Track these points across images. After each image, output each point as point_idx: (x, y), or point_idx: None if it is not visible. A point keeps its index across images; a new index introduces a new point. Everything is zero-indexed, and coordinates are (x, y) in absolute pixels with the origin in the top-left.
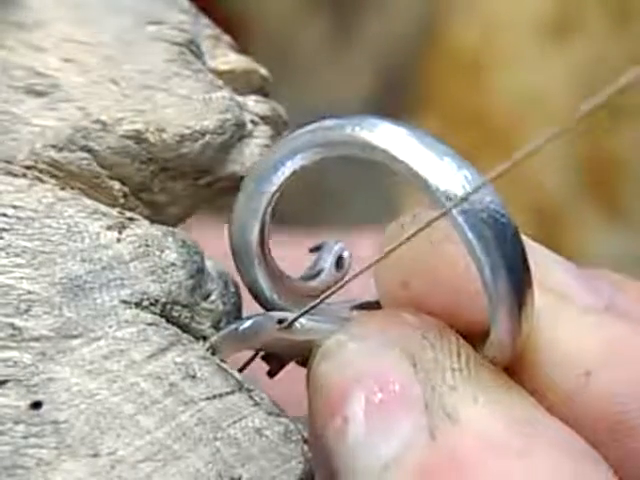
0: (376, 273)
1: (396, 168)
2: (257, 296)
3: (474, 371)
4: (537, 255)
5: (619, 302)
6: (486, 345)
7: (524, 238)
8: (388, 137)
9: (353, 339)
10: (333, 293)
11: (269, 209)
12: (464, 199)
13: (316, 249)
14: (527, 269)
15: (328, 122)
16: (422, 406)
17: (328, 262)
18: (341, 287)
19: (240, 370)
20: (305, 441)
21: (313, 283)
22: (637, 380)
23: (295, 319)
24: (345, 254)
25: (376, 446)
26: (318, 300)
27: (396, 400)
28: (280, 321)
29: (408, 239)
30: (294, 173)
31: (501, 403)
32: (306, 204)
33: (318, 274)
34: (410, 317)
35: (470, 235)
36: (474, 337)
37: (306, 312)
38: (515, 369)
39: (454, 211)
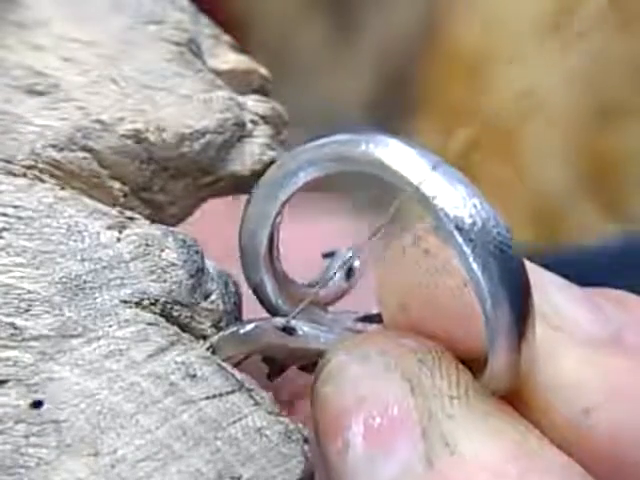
0: (378, 293)
1: (405, 189)
2: (262, 300)
3: (473, 399)
4: (539, 280)
5: (625, 327)
6: (484, 375)
7: (528, 262)
8: (400, 158)
9: (354, 361)
10: (333, 302)
11: (279, 216)
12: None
13: (328, 255)
14: (530, 302)
15: (342, 137)
16: (420, 432)
17: (337, 271)
18: (341, 294)
19: (235, 366)
20: (305, 441)
21: (320, 291)
22: (636, 419)
23: (289, 320)
24: (356, 264)
25: (375, 471)
26: (306, 302)
27: (394, 425)
28: (282, 327)
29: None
30: (305, 184)
31: (500, 432)
32: None
33: (326, 282)
34: (410, 340)
35: (474, 265)
36: (473, 363)
37: (297, 313)
38: (514, 402)
39: (460, 240)
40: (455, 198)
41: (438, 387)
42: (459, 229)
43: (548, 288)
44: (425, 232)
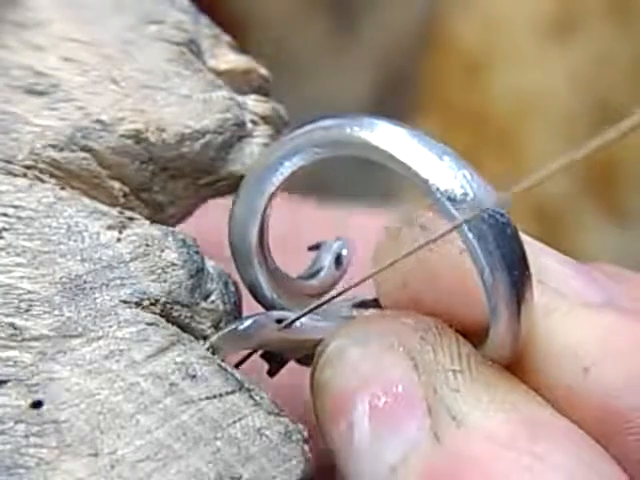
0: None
1: (395, 168)
2: (257, 295)
3: (475, 371)
4: (534, 250)
5: (618, 295)
6: (486, 344)
7: (522, 234)
8: (387, 137)
9: (354, 344)
10: (333, 298)
11: (268, 209)
12: (474, 216)
13: (315, 247)
14: (526, 268)
15: (326, 122)
16: (426, 408)
17: (327, 260)
18: (341, 293)
19: (236, 366)
20: (305, 441)
21: (312, 282)
22: (634, 374)
23: (294, 320)
24: (344, 252)
25: (382, 450)
26: (318, 303)
27: (400, 403)
28: (279, 320)
29: (410, 253)
30: (293, 173)
31: (505, 403)
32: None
33: (317, 273)
34: (409, 318)
35: (470, 235)
36: (474, 336)
37: (305, 314)
38: (515, 369)
39: (453, 211)
40: (445, 171)
41: (441, 362)
42: (451, 200)
43: (543, 257)
44: (421, 210)
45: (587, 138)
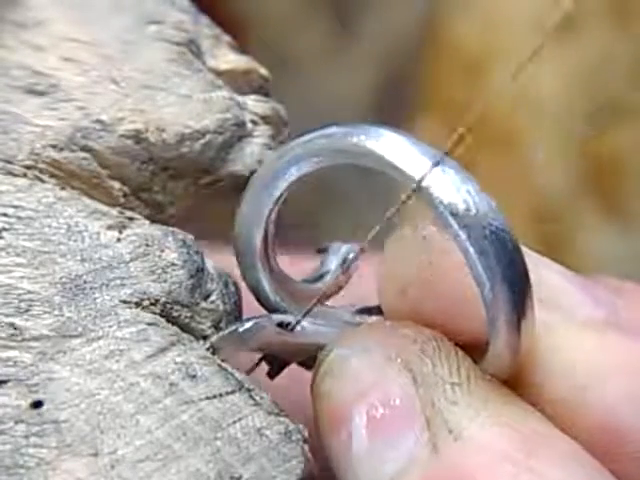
0: (378, 282)
1: (399, 178)
2: (260, 298)
3: (474, 385)
4: (536, 265)
5: (619, 311)
6: (485, 359)
7: (524, 248)
8: (393, 148)
9: (354, 354)
10: (330, 297)
11: (273, 213)
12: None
13: (323, 250)
14: (527, 284)
15: (333, 130)
16: (423, 421)
17: (333, 264)
18: (338, 291)
19: (247, 373)
20: (305, 441)
21: (317, 285)
22: (633, 393)
23: (297, 323)
24: (351, 257)
25: (379, 461)
26: (314, 302)
27: (397, 415)
28: (280, 323)
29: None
30: (298, 179)
31: (503, 417)
32: (309, 205)
33: (322, 276)
34: (409, 330)
35: (471, 250)
36: (473, 348)
37: (305, 315)
38: (513, 381)
39: (455, 226)
40: (449, 185)
41: (439, 375)
42: (454, 215)
43: (544, 272)
44: (423, 220)
45: (587, 137)
